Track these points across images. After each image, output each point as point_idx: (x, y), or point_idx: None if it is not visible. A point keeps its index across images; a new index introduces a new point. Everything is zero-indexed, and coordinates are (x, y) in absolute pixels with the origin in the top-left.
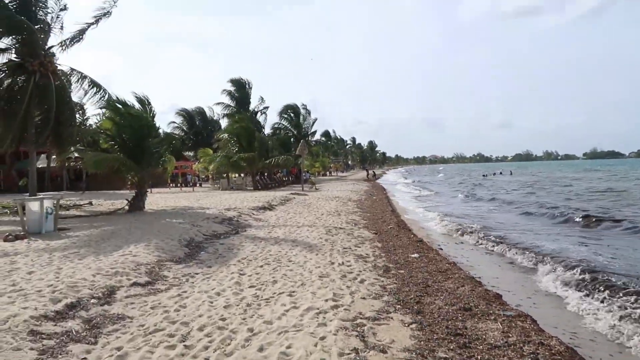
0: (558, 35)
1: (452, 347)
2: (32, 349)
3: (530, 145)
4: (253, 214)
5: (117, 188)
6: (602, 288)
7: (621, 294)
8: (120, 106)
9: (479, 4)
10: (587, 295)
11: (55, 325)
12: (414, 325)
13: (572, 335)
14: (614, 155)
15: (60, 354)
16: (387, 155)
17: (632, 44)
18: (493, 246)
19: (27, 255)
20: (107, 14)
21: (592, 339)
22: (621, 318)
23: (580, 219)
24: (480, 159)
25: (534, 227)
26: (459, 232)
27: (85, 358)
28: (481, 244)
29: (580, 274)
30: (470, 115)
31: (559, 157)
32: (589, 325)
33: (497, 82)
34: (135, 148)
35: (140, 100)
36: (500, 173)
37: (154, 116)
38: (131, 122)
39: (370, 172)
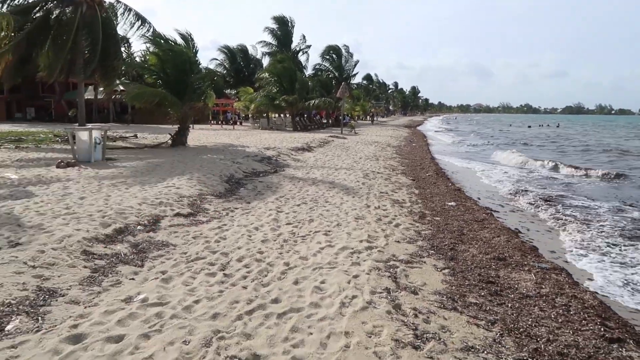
0: None
1: (483, 293)
2: (85, 267)
3: (583, 97)
4: (292, 154)
5: (160, 122)
6: None
7: None
8: (162, 41)
9: None
10: None
11: (106, 247)
12: (446, 271)
13: None
14: None
15: (111, 273)
16: (430, 102)
17: None
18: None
19: (78, 182)
20: None
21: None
22: None
23: None
24: (528, 110)
25: None
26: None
27: (133, 278)
28: None
29: None
30: (520, 63)
31: (613, 112)
32: None
33: (552, 27)
34: (177, 83)
35: (184, 37)
36: (548, 125)
37: (196, 52)
38: (173, 57)
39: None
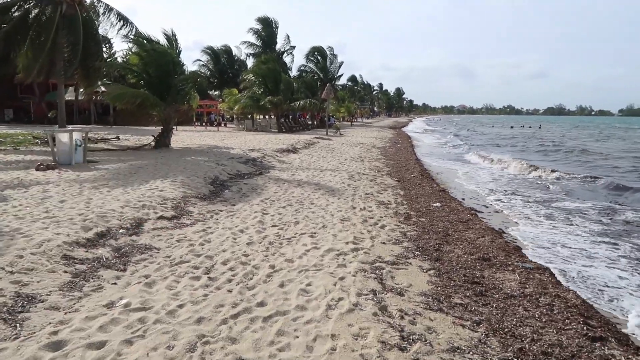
0: None
1: (468, 294)
2: (65, 271)
3: (564, 98)
4: (277, 155)
5: (143, 124)
6: None
7: None
8: (145, 42)
9: None
10: None
11: (87, 251)
12: (432, 272)
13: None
14: None
15: (92, 278)
16: (415, 103)
17: None
18: None
19: (58, 185)
20: None
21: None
22: None
23: None
24: (511, 111)
25: None
26: None
27: (115, 283)
28: None
29: None
30: (502, 64)
31: (593, 113)
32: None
33: (534, 28)
34: (160, 84)
35: (167, 37)
36: (530, 127)
37: (179, 53)
38: (156, 58)
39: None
